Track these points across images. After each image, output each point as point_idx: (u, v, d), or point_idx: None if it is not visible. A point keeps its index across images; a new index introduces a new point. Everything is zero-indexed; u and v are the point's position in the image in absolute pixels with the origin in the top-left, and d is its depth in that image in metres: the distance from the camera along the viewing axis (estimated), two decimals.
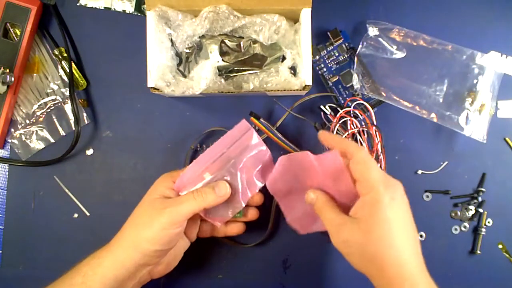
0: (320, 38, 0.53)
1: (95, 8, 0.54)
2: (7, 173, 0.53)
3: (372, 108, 0.51)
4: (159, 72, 0.46)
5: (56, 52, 0.53)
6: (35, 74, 0.53)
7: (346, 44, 0.53)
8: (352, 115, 0.51)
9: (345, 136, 0.51)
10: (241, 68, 0.48)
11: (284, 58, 0.49)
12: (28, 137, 0.53)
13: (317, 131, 0.51)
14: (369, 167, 0.38)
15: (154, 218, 0.39)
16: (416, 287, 0.36)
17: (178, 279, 0.52)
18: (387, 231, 0.36)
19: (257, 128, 0.52)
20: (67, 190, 0.53)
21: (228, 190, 0.43)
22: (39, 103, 0.53)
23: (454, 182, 0.53)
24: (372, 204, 0.37)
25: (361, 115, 0.51)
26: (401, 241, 0.36)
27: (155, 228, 0.39)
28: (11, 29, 0.51)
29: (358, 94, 0.53)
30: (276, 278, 0.52)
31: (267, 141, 0.52)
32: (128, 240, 0.40)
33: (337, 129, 0.51)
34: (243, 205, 0.44)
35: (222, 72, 0.48)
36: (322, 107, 0.52)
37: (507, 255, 0.53)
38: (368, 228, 0.36)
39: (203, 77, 0.46)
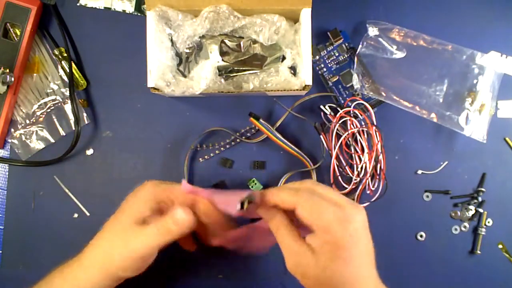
0: (320, 38, 0.53)
1: (95, 8, 0.54)
2: (7, 173, 0.53)
3: (372, 108, 0.51)
4: (159, 72, 0.46)
5: (56, 52, 0.53)
6: (35, 74, 0.53)
7: (346, 44, 0.53)
8: (352, 115, 0.51)
9: (345, 136, 0.50)
10: (241, 68, 0.48)
11: (284, 58, 0.49)
12: (28, 137, 0.53)
13: (317, 131, 0.51)
14: (314, 211, 0.35)
15: (127, 248, 0.38)
16: None
17: (178, 279, 0.52)
18: (346, 270, 0.34)
19: (256, 128, 0.52)
20: (67, 190, 0.53)
21: (188, 216, 0.38)
22: (39, 103, 0.53)
23: (454, 182, 0.53)
24: (332, 245, 0.34)
25: (361, 115, 0.51)
26: (360, 277, 0.35)
27: (127, 260, 0.38)
28: (11, 29, 0.51)
29: (358, 94, 0.53)
30: (276, 278, 0.52)
31: (268, 141, 0.52)
32: (103, 264, 0.39)
33: (337, 129, 0.51)
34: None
35: (222, 72, 0.48)
36: (322, 107, 0.52)
37: (507, 255, 0.53)
38: (327, 265, 0.34)
39: (203, 77, 0.46)
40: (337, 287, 0.35)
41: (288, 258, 0.37)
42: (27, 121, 0.53)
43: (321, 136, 0.51)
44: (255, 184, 0.52)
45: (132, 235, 0.38)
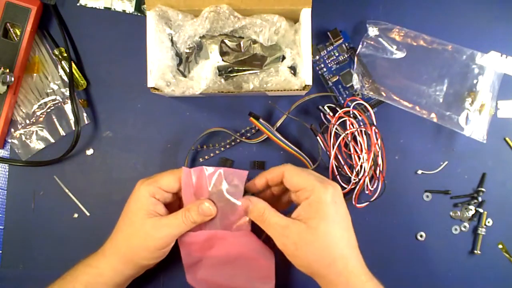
0: (320, 38, 0.53)
1: (95, 8, 0.54)
2: (7, 173, 0.53)
3: (372, 108, 0.51)
4: (159, 72, 0.46)
5: (56, 52, 0.53)
6: (35, 74, 0.53)
7: (346, 44, 0.53)
8: (351, 115, 0.51)
9: (343, 136, 0.51)
10: (241, 68, 0.48)
11: (284, 58, 0.49)
12: (28, 137, 0.53)
13: (313, 133, 0.51)
14: (301, 175, 0.41)
15: (148, 240, 0.41)
16: (359, 279, 0.39)
17: (178, 278, 0.52)
18: (332, 227, 0.39)
19: (256, 128, 0.52)
20: (67, 190, 0.53)
21: (212, 210, 0.42)
22: (39, 103, 0.53)
23: (454, 182, 0.53)
24: (317, 203, 0.39)
25: (360, 115, 0.50)
26: (345, 237, 0.40)
27: (149, 250, 0.42)
28: (11, 29, 0.51)
29: (358, 94, 0.53)
30: (276, 278, 0.52)
31: (268, 141, 0.52)
32: (125, 254, 0.42)
33: (336, 129, 0.51)
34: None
35: (222, 72, 0.48)
36: (320, 107, 0.52)
37: (507, 255, 0.53)
38: (316, 225, 0.39)
39: (203, 77, 0.46)
40: (326, 247, 0.39)
41: (278, 236, 0.40)
42: (27, 121, 0.53)
43: (318, 138, 0.51)
44: None
45: (153, 228, 0.41)
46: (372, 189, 0.51)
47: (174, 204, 0.46)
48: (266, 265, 0.44)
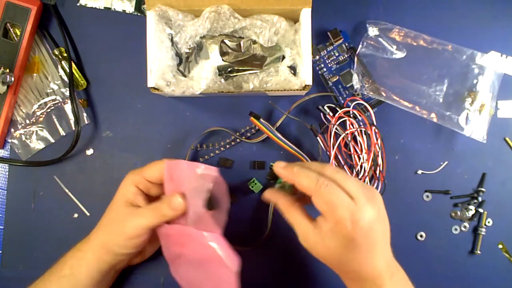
0: (320, 38, 0.53)
1: (95, 8, 0.54)
2: (7, 173, 0.53)
3: (372, 108, 0.51)
4: (159, 71, 0.46)
5: (56, 52, 0.53)
6: (35, 74, 0.53)
7: (346, 44, 0.53)
8: (351, 115, 0.51)
9: (343, 137, 0.51)
10: (241, 68, 0.48)
11: (284, 58, 0.49)
12: (28, 137, 0.53)
13: (313, 134, 0.51)
14: (332, 204, 0.37)
15: (121, 228, 0.42)
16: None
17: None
18: (353, 258, 0.38)
19: (256, 128, 0.52)
20: (67, 190, 0.53)
21: (182, 205, 0.41)
22: (39, 103, 0.53)
23: (454, 182, 0.53)
24: (338, 234, 0.37)
25: (360, 115, 0.50)
26: (368, 265, 0.38)
27: (122, 237, 0.42)
28: (11, 29, 0.51)
29: (358, 94, 0.53)
30: (276, 278, 0.52)
31: (268, 141, 0.52)
32: (104, 241, 0.44)
33: (336, 129, 0.51)
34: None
35: (222, 72, 0.48)
36: (320, 107, 0.52)
37: (507, 255, 0.53)
38: (333, 251, 0.38)
39: (203, 77, 0.46)
40: (339, 265, 0.39)
41: (298, 233, 0.40)
42: (27, 121, 0.53)
43: (318, 138, 0.51)
44: (255, 184, 0.52)
45: (126, 216, 0.42)
46: None
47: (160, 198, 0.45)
48: (229, 272, 0.42)
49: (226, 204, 0.46)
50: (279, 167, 0.41)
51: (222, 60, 0.48)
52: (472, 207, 0.52)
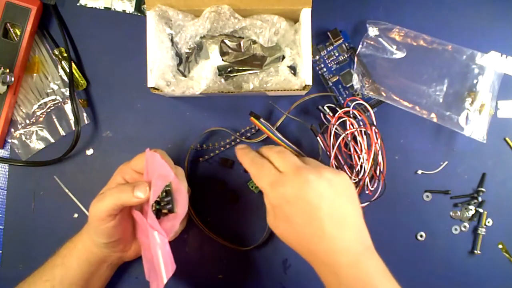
0: (320, 38, 0.53)
1: (95, 8, 0.54)
2: (7, 173, 0.53)
3: (372, 108, 0.51)
4: (159, 71, 0.46)
5: (56, 52, 0.53)
6: (35, 74, 0.53)
7: (346, 44, 0.53)
8: (351, 115, 0.51)
9: (343, 137, 0.51)
10: (241, 68, 0.48)
11: (284, 58, 0.49)
12: (28, 137, 0.53)
13: (313, 134, 0.51)
14: (256, 178, 0.42)
15: (93, 211, 0.42)
16: (353, 273, 0.37)
17: (178, 278, 0.52)
18: (288, 227, 0.40)
19: (256, 128, 0.52)
20: (67, 190, 0.53)
21: (146, 193, 0.40)
22: (39, 103, 0.53)
23: (454, 182, 0.53)
24: (269, 205, 0.42)
25: (360, 115, 0.50)
26: (308, 235, 0.38)
27: (92, 225, 0.42)
28: (11, 29, 0.51)
29: (358, 94, 0.53)
30: (276, 278, 0.52)
31: (268, 141, 0.52)
32: (87, 231, 0.45)
33: (336, 129, 0.51)
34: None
35: (222, 72, 0.48)
36: (320, 107, 0.52)
37: (507, 255, 0.53)
38: (272, 223, 0.42)
39: (203, 77, 0.46)
40: (294, 242, 0.40)
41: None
42: (27, 121, 0.53)
43: (318, 138, 0.51)
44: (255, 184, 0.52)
45: (96, 199, 0.42)
46: (372, 189, 0.51)
47: None
48: (159, 278, 0.40)
49: (182, 212, 0.43)
50: (237, 148, 0.46)
51: (222, 60, 0.48)
52: (472, 207, 0.52)
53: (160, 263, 0.40)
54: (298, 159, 0.42)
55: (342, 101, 0.53)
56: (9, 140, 0.53)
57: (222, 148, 0.53)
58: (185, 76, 0.49)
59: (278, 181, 0.39)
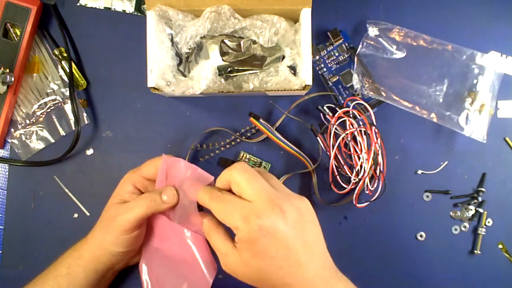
0: (320, 38, 0.53)
1: (95, 8, 0.54)
2: (7, 173, 0.53)
3: (372, 108, 0.51)
4: (160, 71, 0.46)
5: (56, 52, 0.53)
6: (35, 74, 0.53)
7: (346, 44, 0.53)
8: (350, 115, 0.51)
9: (343, 137, 0.50)
10: (241, 68, 0.48)
11: (284, 57, 0.49)
12: (28, 137, 0.53)
13: (313, 134, 0.51)
14: (225, 214, 0.36)
15: (111, 225, 0.42)
16: None
17: None
18: (264, 263, 0.35)
19: (256, 128, 0.52)
20: (67, 190, 0.53)
21: (175, 197, 0.41)
22: (39, 103, 0.53)
23: (454, 182, 0.53)
24: (242, 241, 0.35)
25: (359, 115, 0.50)
26: (286, 267, 0.35)
27: (113, 235, 0.42)
28: (11, 29, 0.51)
29: (358, 94, 0.53)
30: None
31: (268, 141, 0.52)
32: (100, 241, 0.43)
33: (336, 129, 0.51)
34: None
35: (222, 72, 0.48)
36: (320, 107, 0.52)
37: (507, 255, 0.53)
38: (247, 261, 0.35)
39: (203, 77, 0.46)
40: (265, 281, 0.35)
41: (220, 260, 0.38)
42: (27, 121, 0.53)
43: (317, 138, 0.51)
44: None
45: (116, 212, 0.42)
46: (372, 189, 0.51)
47: None
48: (203, 278, 0.41)
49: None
50: (200, 191, 0.39)
51: (222, 60, 0.48)
52: (472, 207, 0.52)
53: (200, 263, 0.41)
54: (265, 181, 0.37)
55: (342, 101, 0.53)
56: (9, 140, 0.53)
57: (222, 148, 0.53)
58: (185, 76, 0.49)
59: (252, 213, 0.35)
